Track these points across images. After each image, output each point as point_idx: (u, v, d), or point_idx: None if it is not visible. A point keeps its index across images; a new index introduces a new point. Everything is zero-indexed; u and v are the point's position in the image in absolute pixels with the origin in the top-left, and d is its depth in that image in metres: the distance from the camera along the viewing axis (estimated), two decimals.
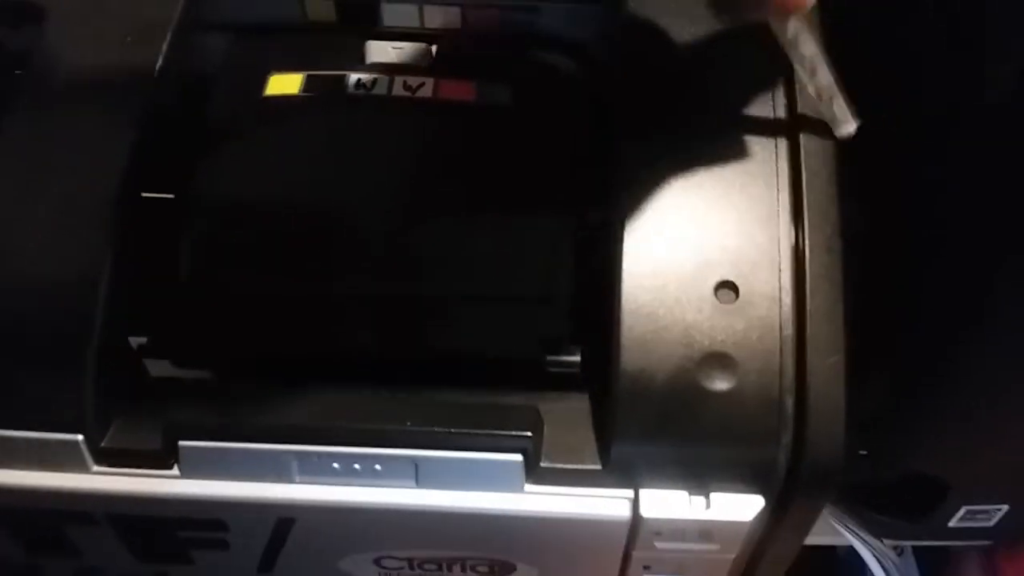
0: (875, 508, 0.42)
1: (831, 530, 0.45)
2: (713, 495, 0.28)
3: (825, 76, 0.29)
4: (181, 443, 0.28)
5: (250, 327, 0.31)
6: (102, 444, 0.28)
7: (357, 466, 0.28)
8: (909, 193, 0.34)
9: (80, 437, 0.28)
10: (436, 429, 0.28)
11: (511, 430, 0.28)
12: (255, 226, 0.31)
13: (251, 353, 0.31)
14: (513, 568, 0.31)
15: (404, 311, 0.31)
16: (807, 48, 0.29)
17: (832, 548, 0.54)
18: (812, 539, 0.49)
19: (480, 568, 0.32)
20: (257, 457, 0.28)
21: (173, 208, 0.31)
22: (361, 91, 0.33)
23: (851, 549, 0.47)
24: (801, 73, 0.30)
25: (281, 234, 0.31)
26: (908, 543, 0.46)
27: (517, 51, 0.35)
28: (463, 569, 0.32)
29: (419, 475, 0.28)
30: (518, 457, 0.28)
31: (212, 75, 0.34)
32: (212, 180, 0.31)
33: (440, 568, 0.32)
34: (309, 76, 0.34)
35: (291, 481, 0.29)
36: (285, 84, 0.34)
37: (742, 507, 0.27)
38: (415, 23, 0.36)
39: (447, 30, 0.36)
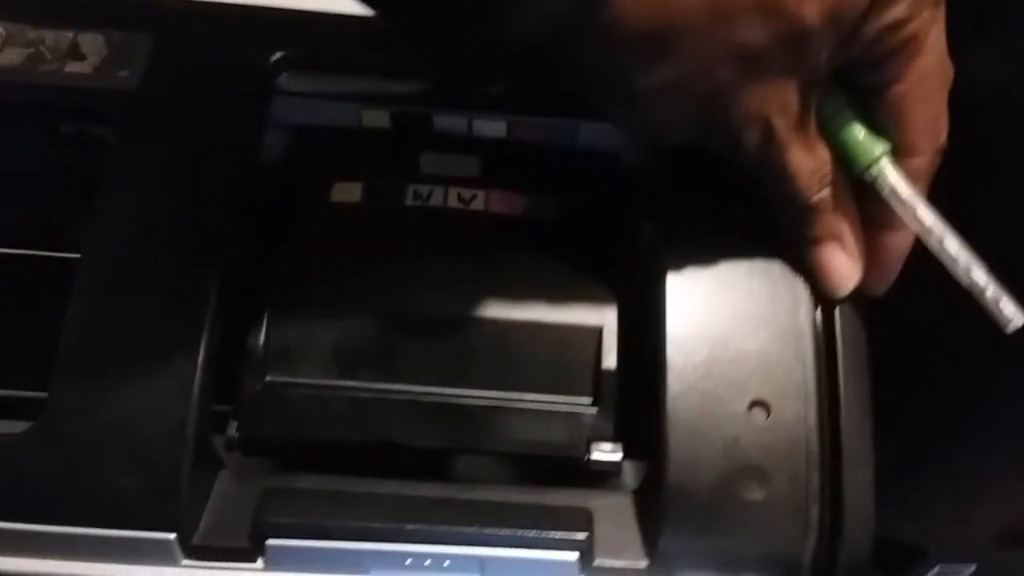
0: None
1: None
2: None
3: (976, 273, 0.30)
4: (268, 541, 0.31)
5: (319, 427, 0.34)
6: (193, 542, 0.31)
7: (428, 562, 0.31)
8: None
9: (173, 536, 0.31)
10: (500, 532, 0.31)
11: (568, 531, 0.31)
12: (325, 331, 0.34)
13: (319, 449, 0.34)
14: None
15: (459, 410, 0.34)
16: (950, 245, 0.30)
17: None
18: None
19: None
20: (337, 554, 0.31)
21: (250, 309, 0.34)
22: (418, 202, 0.36)
23: None
24: (953, 272, 0.30)
25: (349, 339, 0.34)
26: None
27: (560, 163, 0.38)
28: None
29: (484, 570, 0.32)
30: (574, 555, 0.31)
31: (278, 170, 0.37)
32: (288, 286, 0.35)
33: None
34: (369, 186, 0.37)
35: (367, 574, 0.32)
36: (347, 192, 0.37)
37: None
38: (463, 131, 0.39)
39: (494, 140, 0.39)
